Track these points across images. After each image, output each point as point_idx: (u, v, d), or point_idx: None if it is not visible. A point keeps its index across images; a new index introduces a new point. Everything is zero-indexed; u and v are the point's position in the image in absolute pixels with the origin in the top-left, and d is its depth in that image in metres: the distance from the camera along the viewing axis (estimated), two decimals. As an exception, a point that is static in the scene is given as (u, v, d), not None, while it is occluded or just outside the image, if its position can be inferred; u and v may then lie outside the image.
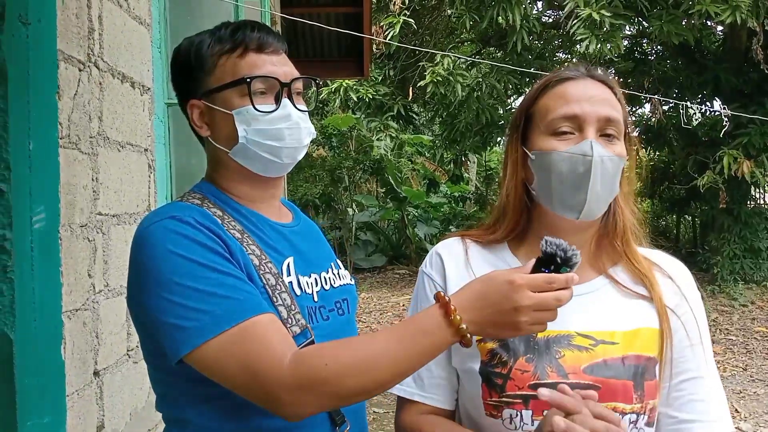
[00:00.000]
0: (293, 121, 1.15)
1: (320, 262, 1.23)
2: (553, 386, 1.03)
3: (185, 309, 1.00)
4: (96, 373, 1.77)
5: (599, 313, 1.12)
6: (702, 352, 1.15)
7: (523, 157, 1.15)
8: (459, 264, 1.17)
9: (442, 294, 0.97)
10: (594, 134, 1.08)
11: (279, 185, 1.24)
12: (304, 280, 1.16)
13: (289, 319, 1.07)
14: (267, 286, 1.08)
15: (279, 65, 1.15)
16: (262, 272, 1.09)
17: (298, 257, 1.17)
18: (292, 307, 1.09)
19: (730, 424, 1.14)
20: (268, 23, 4.07)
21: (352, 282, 1.31)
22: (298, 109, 1.16)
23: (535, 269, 0.96)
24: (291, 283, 1.13)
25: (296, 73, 1.18)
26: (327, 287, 1.20)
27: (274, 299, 1.08)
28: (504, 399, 1.06)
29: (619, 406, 1.06)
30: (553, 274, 0.94)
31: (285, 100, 1.15)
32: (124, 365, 1.94)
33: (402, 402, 1.19)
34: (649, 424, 1.09)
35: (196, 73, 1.17)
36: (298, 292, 1.13)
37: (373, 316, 8.12)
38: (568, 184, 1.08)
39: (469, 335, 0.95)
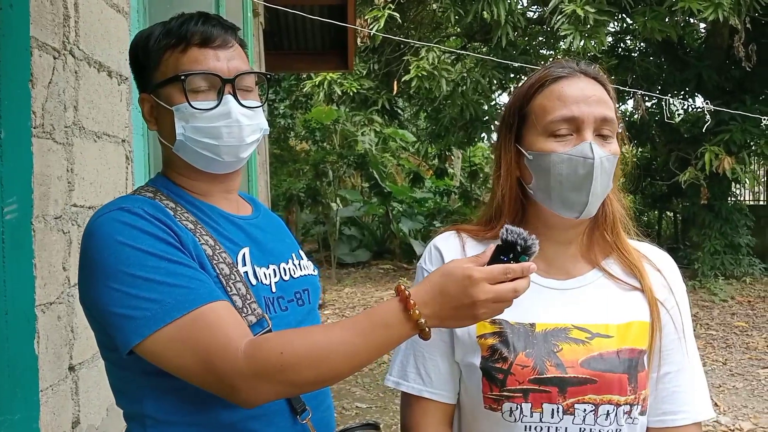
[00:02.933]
0: (233, 119, 1.12)
1: (280, 253, 1.22)
2: (553, 381, 1.08)
3: (135, 299, 0.99)
4: (71, 368, 1.74)
5: (593, 305, 1.15)
6: (686, 344, 1.19)
7: (518, 156, 1.16)
8: (456, 258, 1.16)
9: (402, 288, 0.97)
10: (591, 135, 1.10)
11: (233, 180, 1.22)
12: (261, 270, 1.15)
13: (245, 309, 1.06)
14: (221, 276, 1.07)
15: (224, 60, 1.13)
16: (215, 262, 1.08)
17: (255, 248, 1.16)
18: (248, 296, 1.08)
19: (712, 412, 1.20)
20: (249, 13, 4.03)
21: (315, 272, 1.30)
22: (244, 106, 1.14)
23: (495, 256, 0.96)
24: (246, 273, 1.12)
25: (244, 68, 1.15)
26: (286, 278, 1.19)
27: (228, 289, 1.06)
28: (504, 393, 1.09)
29: (615, 398, 1.09)
30: (510, 264, 0.95)
31: (227, 97, 1.12)
32: (100, 360, 1.89)
33: (408, 398, 1.20)
34: (642, 413, 1.14)
35: (144, 68, 1.16)
36: (254, 282, 1.12)
37: (357, 311, 8.12)
38: (568, 185, 1.10)
39: (427, 329, 0.96)
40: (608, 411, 1.09)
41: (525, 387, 1.08)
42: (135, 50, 1.17)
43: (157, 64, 1.14)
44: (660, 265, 1.22)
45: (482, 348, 1.12)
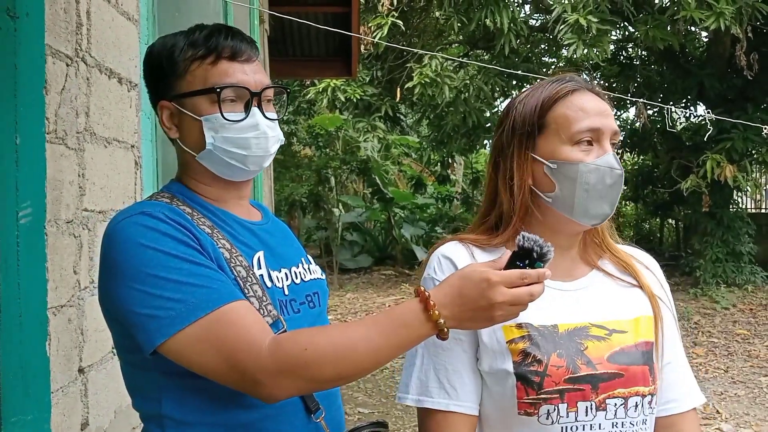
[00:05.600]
0: (261, 131, 1.17)
1: (290, 257, 1.26)
2: (586, 379, 1.11)
3: (159, 299, 1.02)
4: (81, 370, 1.76)
5: (602, 303, 1.20)
6: (677, 336, 1.26)
7: (532, 164, 1.18)
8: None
9: (422, 289, 1.00)
10: (609, 147, 1.16)
11: (247, 187, 1.27)
12: (274, 274, 1.18)
13: (261, 310, 1.09)
14: (238, 279, 1.10)
15: (251, 74, 1.17)
16: (233, 265, 1.11)
17: (268, 252, 1.20)
18: (264, 298, 1.11)
19: (703, 397, 1.28)
20: (256, 20, 4.06)
21: (323, 277, 1.34)
22: (267, 118, 1.18)
23: (511, 262, 0.99)
24: (262, 276, 1.15)
25: (267, 82, 1.20)
26: (297, 281, 1.23)
27: (246, 291, 1.09)
28: (542, 395, 1.10)
29: (641, 390, 1.14)
30: (526, 270, 0.97)
31: (254, 109, 1.17)
32: (109, 362, 1.93)
33: (432, 415, 1.15)
34: (656, 403, 1.19)
35: (168, 76, 1.19)
36: (268, 284, 1.15)
37: (359, 317, 8.12)
38: (595, 194, 1.14)
39: (446, 330, 0.98)
40: (636, 403, 1.13)
41: (561, 387, 1.10)
42: (159, 59, 1.19)
43: (184, 74, 1.17)
44: (646, 263, 1.29)
45: (513, 353, 1.12)
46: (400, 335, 0.99)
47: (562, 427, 1.10)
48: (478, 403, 1.17)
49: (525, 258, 0.98)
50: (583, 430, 1.11)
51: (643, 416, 1.13)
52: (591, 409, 1.10)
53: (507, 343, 1.13)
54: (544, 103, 1.18)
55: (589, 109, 1.16)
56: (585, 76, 1.24)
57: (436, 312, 0.97)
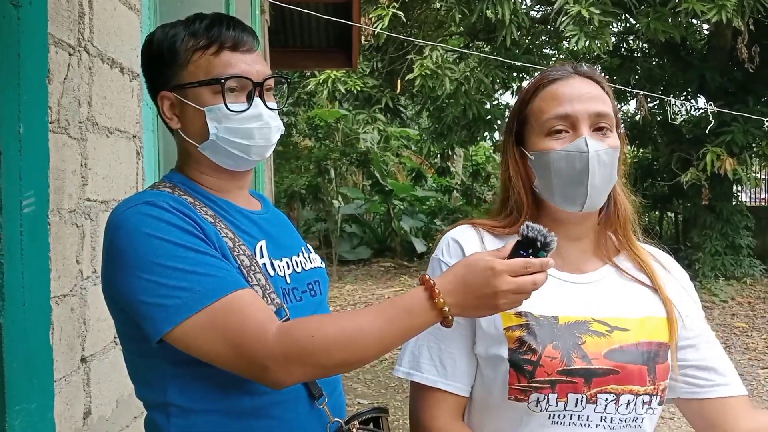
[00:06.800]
0: (264, 121, 1.18)
1: (291, 246, 1.27)
2: (579, 372, 1.11)
3: (165, 288, 1.02)
4: (83, 360, 1.76)
5: (610, 300, 1.19)
6: (706, 325, 1.24)
7: (522, 158, 1.21)
8: (476, 251, 1.18)
9: (427, 277, 1.02)
10: (587, 130, 1.14)
11: (247, 177, 1.27)
12: (276, 263, 1.19)
13: (265, 299, 1.10)
14: (242, 267, 1.10)
15: (252, 64, 1.17)
16: (236, 254, 1.11)
17: (269, 241, 1.21)
18: (267, 287, 1.12)
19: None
20: (257, 10, 4.05)
21: (323, 265, 1.35)
22: (269, 108, 1.19)
23: (515, 251, 1.00)
24: (264, 264, 1.16)
25: (268, 72, 1.20)
26: (299, 270, 1.24)
27: (249, 279, 1.10)
28: (533, 384, 1.11)
29: (635, 389, 1.13)
30: (530, 258, 0.99)
31: (257, 100, 1.17)
32: (111, 352, 1.94)
33: (420, 389, 1.20)
34: (660, 403, 1.18)
35: (169, 66, 1.18)
36: (271, 273, 1.16)
37: (358, 309, 8.13)
38: (568, 180, 1.14)
39: (451, 317, 1.00)
40: (628, 400, 1.13)
41: (553, 378, 1.11)
42: (159, 49, 1.18)
43: (185, 64, 1.16)
44: (666, 264, 1.28)
45: (509, 340, 1.13)
46: (406, 322, 1.00)
47: (549, 415, 1.12)
48: (468, 384, 1.19)
49: (529, 247, 0.99)
50: (570, 419, 1.12)
51: (635, 414, 1.13)
52: (581, 401, 1.11)
53: (504, 330, 1.14)
54: (525, 96, 1.21)
55: (563, 95, 1.15)
56: (584, 64, 1.23)
57: (441, 300, 0.98)
